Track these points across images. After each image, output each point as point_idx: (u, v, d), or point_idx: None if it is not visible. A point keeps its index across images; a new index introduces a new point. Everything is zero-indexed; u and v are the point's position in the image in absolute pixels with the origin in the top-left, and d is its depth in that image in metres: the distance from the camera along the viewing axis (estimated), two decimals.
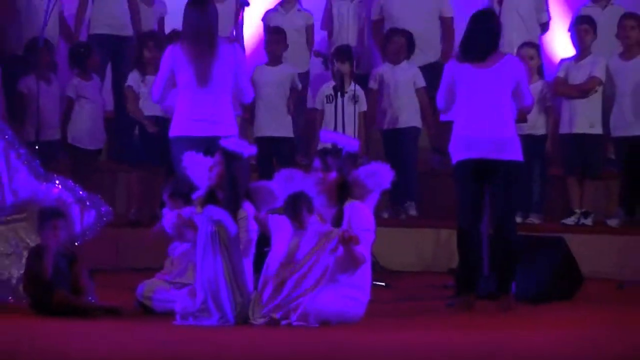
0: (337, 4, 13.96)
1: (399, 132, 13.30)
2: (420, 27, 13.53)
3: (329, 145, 10.31)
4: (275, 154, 12.93)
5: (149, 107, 12.67)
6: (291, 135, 13.36)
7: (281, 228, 9.59)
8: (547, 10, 13.86)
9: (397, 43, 13.31)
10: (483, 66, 10.45)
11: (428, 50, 13.31)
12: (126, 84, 13.00)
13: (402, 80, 13.28)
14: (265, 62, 13.48)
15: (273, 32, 13.50)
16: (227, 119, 10.79)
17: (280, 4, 14.10)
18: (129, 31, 13.76)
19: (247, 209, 9.58)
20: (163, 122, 12.02)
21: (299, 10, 14.01)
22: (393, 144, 13.24)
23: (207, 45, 10.72)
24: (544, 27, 13.86)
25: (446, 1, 13.79)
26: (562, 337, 9.16)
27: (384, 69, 13.46)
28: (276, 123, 13.24)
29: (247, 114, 12.99)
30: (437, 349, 8.57)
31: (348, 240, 9.26)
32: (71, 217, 10.27)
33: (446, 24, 13.69)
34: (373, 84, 13.51)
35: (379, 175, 9.92)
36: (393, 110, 13.28)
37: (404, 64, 13.36)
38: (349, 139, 10.67)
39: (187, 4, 11.00)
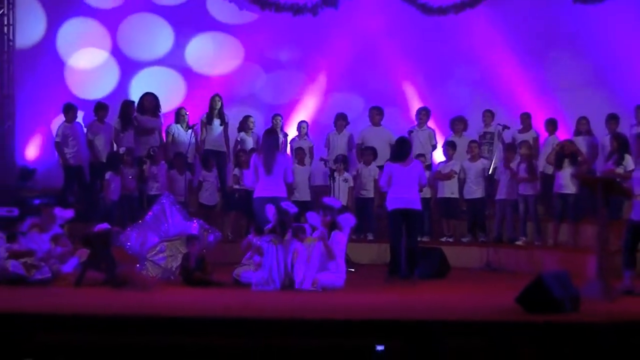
0: (332, 137, 13.13)
1: (367, 200, 12.61)
2: (381, 148, 12.71)
3: (327, 204, 10.14)
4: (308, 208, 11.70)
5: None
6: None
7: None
8: (435, 138, 13.09)
9: (368, 155, 12.74)
10: (404, 165, 10.51)
11: (382, 159, 12.32)
12: (233, 173, 12.62)
13: (371, 174, 12.58)
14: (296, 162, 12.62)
15: (299, 150, 12.84)
16: (281, 188, 10.62)
17: (298, 136, 13.17)
18: (224, 148, 13.08)
19: (290, 235, 9.64)
20: (246, 193, 11.80)
21: (305, 139, 13.12)
22: (363, 205, 12.57)
23: (271, 155, 10.63)
24: (434, 147, 13.10)
25: (392, 136, 12.45)
26: (442, 295, 9.41)
27: (361, 167, 12.75)
28: (303, 193, 12.56)
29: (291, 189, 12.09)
30: (380, 302, 8.82)
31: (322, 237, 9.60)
32: (201, 238, 10.32)
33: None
34: (355, 174, 12.75)
35: (348, 219, 10.03)
36: (364, 189, 12.60)
37: (373, 165, 12.67)
38: (336, 200, 10.65)
39: (263, 133, 11.15)
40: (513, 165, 12.03)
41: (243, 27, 14.01)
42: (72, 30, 13.72)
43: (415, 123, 13.07)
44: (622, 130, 11.85)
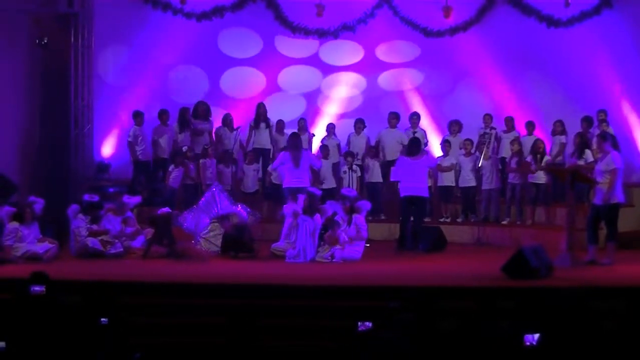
0: (353, 138, 12.59)
1: (376, 184, 12.26)
2: (393, 146, 12.33)
3: (344, 194, 10.27)
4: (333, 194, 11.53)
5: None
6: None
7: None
8: (426, 137, 12.70)
9: (374, 152, 12.39)
10: (414, 159, 10.59)
11: (394, 156, 12.03)
12: (270, 168, 11.80)
13: (376, 165, 12.32)
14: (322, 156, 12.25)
15: (324, 148, 12.50)
16: (306, 179, 10.65)
17: (327, 136, 12.75)
18: (268, 146, 12.74)
19: (316, 215, 9.74)
20: (277, 185, 11.55)
21: (333, 138, 12.69)
22: (374, 190, 12.24)
23: (297, 151, 10.66)
24: (426, 144, 12.53)
25: (405, 137, 12.32)
26: (441, 265, 9.45)
27: (370, 160, 12.40)
28: (329, 182, 12.16)
29: (316, 177, 11.94)
30: (391, 270, 8.99)
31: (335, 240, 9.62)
32: (245, 218, 10.34)
33: (404, 146, 12.34)
34: (366, 165, 12.42)
35: (365, 204, 10.13)
36: (373, 177, 12.28)
37: (375, 159, 12.40)
38: (353, 190, 10.71)
39: (290, 135, 11.19)
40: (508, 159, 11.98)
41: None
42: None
43: (409, 126, 12.89)
44: (591, 129, 11.79)
